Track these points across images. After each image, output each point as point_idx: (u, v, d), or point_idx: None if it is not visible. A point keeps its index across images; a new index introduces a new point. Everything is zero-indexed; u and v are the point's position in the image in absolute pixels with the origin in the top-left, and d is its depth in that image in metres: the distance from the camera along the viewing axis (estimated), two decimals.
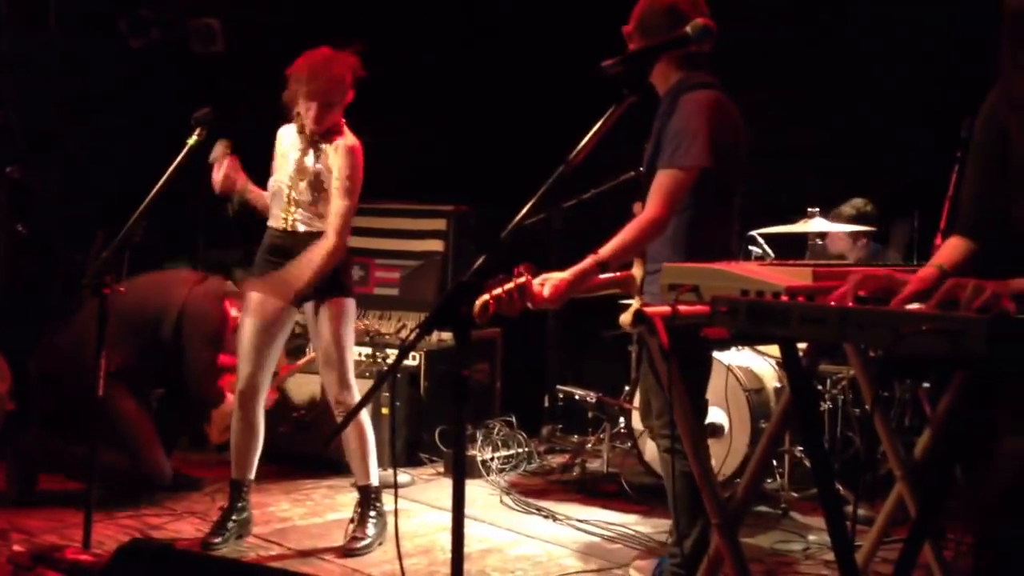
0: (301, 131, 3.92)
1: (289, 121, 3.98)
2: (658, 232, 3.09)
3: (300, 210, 3.90)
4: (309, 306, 3.93)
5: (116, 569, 2.01)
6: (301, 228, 3.91)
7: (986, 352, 1.63)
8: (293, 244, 3.90)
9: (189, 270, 4.90)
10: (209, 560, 3.07)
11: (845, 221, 5.06)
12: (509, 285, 2.69)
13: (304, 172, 3.89)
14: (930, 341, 1.69)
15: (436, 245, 5.76)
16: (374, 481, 4.01)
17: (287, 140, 3.98)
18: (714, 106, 3.14)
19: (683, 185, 3.09)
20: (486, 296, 2.65)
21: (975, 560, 3.32)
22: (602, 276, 3.01)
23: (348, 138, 3.91)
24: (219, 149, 3.95)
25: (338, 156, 3.87)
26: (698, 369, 3.32)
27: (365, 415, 4.03)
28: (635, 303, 3.23)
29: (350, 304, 3.96)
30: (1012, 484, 2.02)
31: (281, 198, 3.93)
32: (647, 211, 3.09)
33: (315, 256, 3.81)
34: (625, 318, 3.22)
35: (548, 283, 2.88)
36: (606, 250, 3.02)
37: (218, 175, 3.94)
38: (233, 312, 4.56)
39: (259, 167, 4.07)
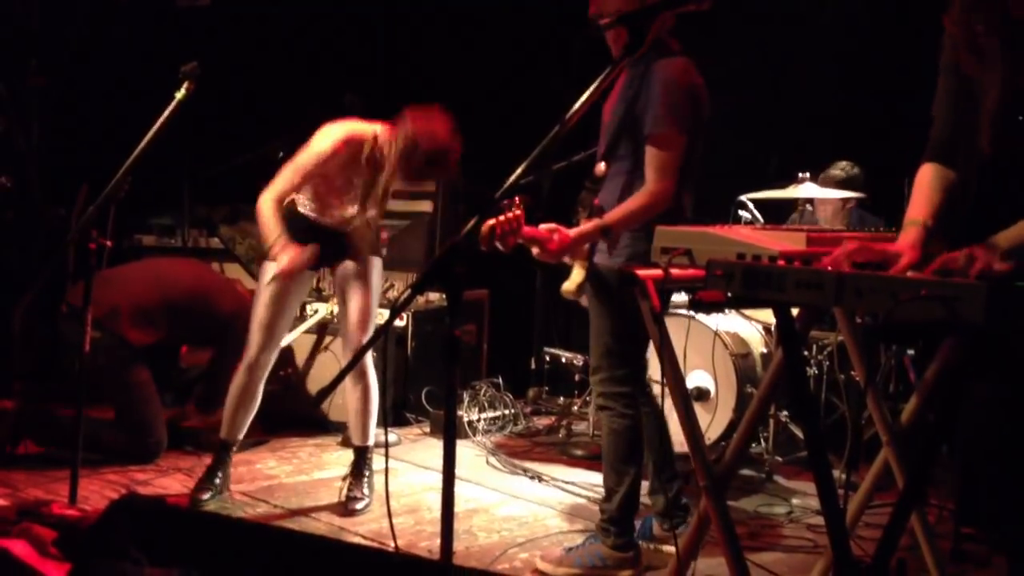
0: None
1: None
2: (665, 203, 3.13)
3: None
4: (346, 266, 3.94)
5: (109, 523, 2.01)
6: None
7: (984, 319, 1.63)
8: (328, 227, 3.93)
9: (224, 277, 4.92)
10: (202, 515, 3.07)
11: (834, 184, 5.05)
12: (510, 214, 2.89)
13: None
14: (928, 307, 1.69)
15: (425, 206, 5.73)
16: (371, 442, 4.02)
17: None
18: (688, 74, 3.17)
19: (677, 153, 3.13)
20: (491, 221, 2.86)
21: (956, 522, 3.37)
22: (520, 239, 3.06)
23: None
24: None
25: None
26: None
27: (374, 377, 4.02)
28: (577, 269, 3.24)
29: (380, 264, 4.07)
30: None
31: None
32: (649, 184, 3.13)
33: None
34: (568, 286, 3.24)
35: (558, 234, 3.04)
36: (611, 216, 3.11)
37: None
38: None
39: (244, 122, 4.01)
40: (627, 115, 3.18)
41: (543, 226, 3.07)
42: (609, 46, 3.18)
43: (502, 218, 2.87)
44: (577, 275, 3.25)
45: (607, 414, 3.35)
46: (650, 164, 3.13)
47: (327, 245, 3.88)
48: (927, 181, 2.29)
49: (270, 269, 3.88)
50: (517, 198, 2.94)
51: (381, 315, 5.18)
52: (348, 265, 3.93)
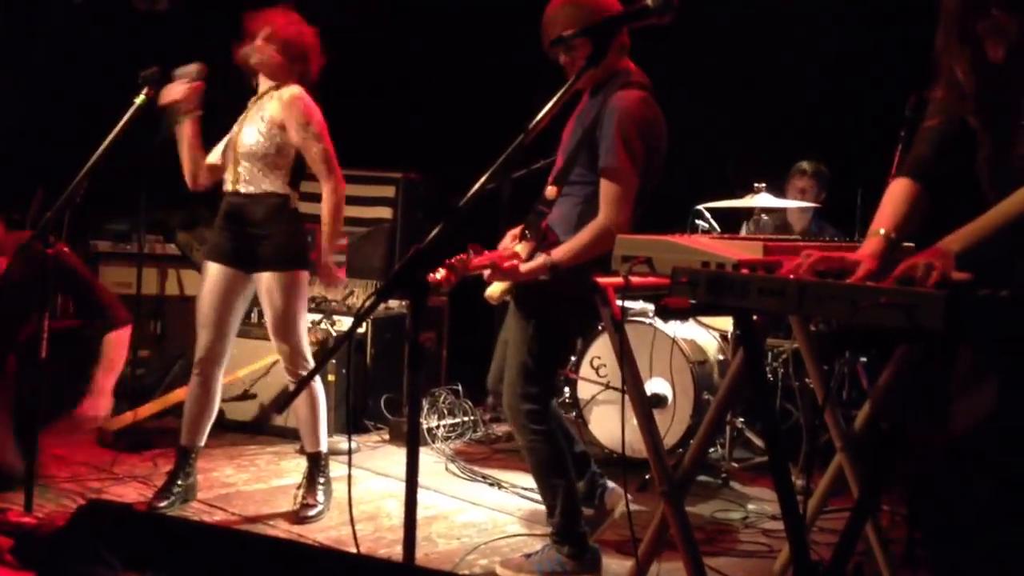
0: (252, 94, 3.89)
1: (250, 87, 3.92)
2: (612, 238, 3.10)
3: (244, 164, 3.82)
4: (262, 276, 3.83)
5: (75, 530, 1.99)
6: (246, 189, 3.84)
7: (943, 327, 1.67)
8: (242, 207, 3.85)
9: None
10: (168, 521, 3.04)
11: (811, 175, 5.28)
12: (455, 260, 2.99)
13: (246, 126, 3.85)
14: (887, 315, 1.73)
15: (385, 212, 5.73)
16: (323, 448, 3.99)
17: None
18: (645, 107, 3.16)
19: (630, 187, 3.11)
20: (439, 275, 2.96)
21: (908, 527, 3.43)
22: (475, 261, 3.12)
23: (291, 89, 3.86)
24: (195, 69, 3.85)
25: (285, 107, 3.81)
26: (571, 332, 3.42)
27: (318, 383, 4.00)
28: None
29: (304, 277, 3.89)
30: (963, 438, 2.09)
31: (227, 156, 3.88)
32: (601, 218, 3.11)
33: (327, 210, 3.85)
34: (492, 291, 3.27)
35: (513, 262, 3.09)
36: (559, 253, 3.10)
37: (177, 89, 3.79)
38: None
39: (205, 127, 3.99)
40: (582, 141, 3.17)
41: (501, 250, 3.15)
42: (566, 69, 3.20)
43: (444, 272, 2.97)
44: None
45: (517, 429, 3.35)
46: (603, 197, 3.12)
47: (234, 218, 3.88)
48: (897, 193, 2.29)
49: (211, 268, 3.88)
50: (470, 249, 3.05)
51: (342, 322, 5.19)
52: (261, 276, 3.84)
